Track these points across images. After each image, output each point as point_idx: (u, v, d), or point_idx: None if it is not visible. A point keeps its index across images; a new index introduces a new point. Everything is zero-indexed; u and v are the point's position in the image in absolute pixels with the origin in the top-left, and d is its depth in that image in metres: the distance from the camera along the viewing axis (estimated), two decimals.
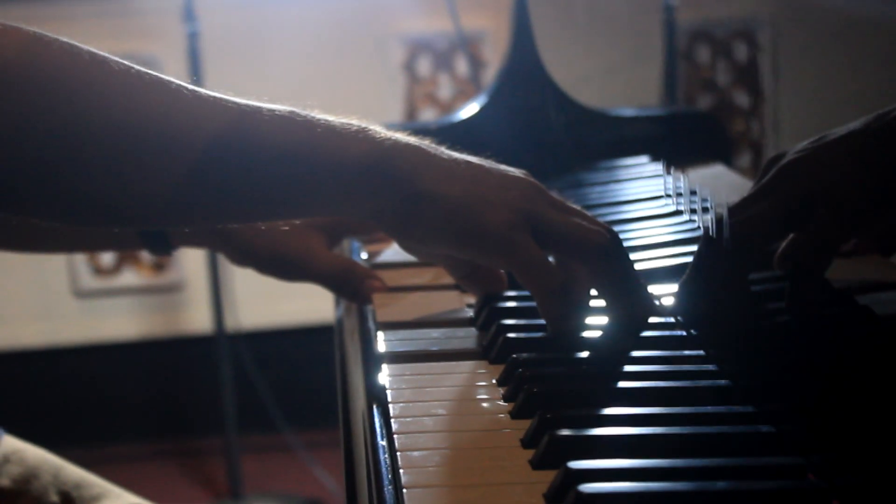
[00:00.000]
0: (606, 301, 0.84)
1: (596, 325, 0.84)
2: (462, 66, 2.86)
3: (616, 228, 1.14)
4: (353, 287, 0.99)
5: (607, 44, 2.87)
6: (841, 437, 0.67)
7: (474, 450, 0.71)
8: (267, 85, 2.82)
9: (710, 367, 0.79)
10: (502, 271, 0.93)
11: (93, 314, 2.89)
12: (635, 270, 0.85)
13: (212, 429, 2.83)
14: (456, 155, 0.82)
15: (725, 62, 2.92)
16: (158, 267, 2.90)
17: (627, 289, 0.82)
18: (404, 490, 0.65)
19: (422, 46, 2.90)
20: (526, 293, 0.94)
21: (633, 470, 0.64)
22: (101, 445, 2.88)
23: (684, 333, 0.85)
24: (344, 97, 2.81)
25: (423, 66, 2.91)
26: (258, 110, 0.77)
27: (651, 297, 0.88)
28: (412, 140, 0.81)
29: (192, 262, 2.85)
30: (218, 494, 2.71)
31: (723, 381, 0.76)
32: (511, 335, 0.84)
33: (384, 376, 0.82)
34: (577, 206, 0.85)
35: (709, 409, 0.72)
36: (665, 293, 0.93)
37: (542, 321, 0.86)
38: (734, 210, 0.89)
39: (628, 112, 1.45)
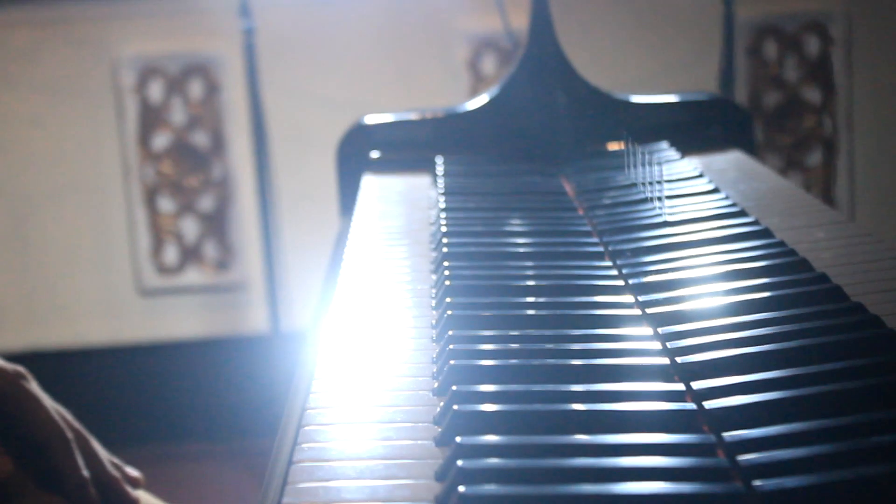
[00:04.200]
0: None
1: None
2: None
3: (623, 210, 1.11)
4: None
5: (666, 42, 2.80)
6: (761, 415, 0.62)
7: (385, 425, 0.67)
8: (328, 83, 2.83)
9: (656, 345, 0.74)
10: None
11: (157, 313, 2.90)
12: None
13: (269, 430, 2.82)
14: None
15: (794, 57, 2.84)
16: (222, 266, 2.90)
17: None
18: (296, 464, 0.62)
19: (486, 44, 2.87)
20: (482, 277, 0.91)
21: (526, 446, 0.60)
22: (162, 444, 2.89)
23: (640, 312, 0.81)
24: (407, 95, 2.79)
25: (488, 63, 2.88)
26: None
27: None
28: None
29: (254, 261, 2.85)
30: None
31: (665, 361, 0.72)
32: (455, 312, 0.81)
33: (323, 347, 0.79)
34: None
35: (634, 386, 0.68)
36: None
37: (491, 301, 0.84)
38: None
39: (649, 98, 1.40)
